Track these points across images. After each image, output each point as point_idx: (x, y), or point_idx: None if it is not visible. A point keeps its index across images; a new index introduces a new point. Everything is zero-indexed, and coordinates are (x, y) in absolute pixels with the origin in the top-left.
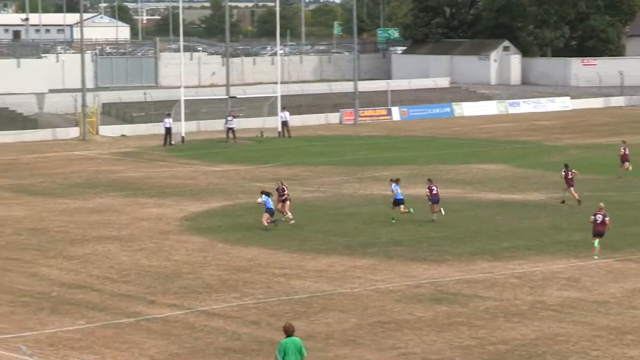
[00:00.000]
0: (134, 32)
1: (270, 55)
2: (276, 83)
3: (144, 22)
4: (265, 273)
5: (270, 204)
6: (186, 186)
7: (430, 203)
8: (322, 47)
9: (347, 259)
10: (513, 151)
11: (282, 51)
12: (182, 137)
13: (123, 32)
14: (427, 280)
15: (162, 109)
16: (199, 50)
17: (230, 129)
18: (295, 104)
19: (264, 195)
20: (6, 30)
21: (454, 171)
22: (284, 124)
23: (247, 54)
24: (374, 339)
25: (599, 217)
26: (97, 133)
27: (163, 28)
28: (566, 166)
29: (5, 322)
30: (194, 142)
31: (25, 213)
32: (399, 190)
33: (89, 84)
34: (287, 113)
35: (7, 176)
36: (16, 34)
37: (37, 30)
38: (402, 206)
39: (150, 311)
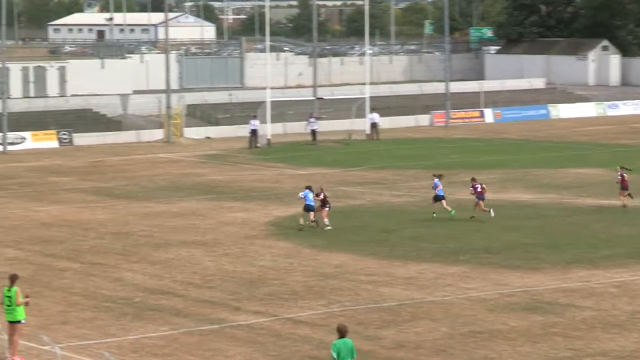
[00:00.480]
0: (219, 32)
1: (358, 55)
2: (364, 84)
3: (230, 21)
4: (353, 280)
5: (311, 199)
6: (272, 190)
7: (476, 200)
8: (412, 47)
9: (438, 266)
10: (614, 155)
11: (370, 51)
12: (268, 140)
13: (208, 31)
14: (521, 289)
15: (248, 111)
16: (285, 50)
17: (313, 130)
18: (384, 106)
19: (306, 190)
20: (90, 30)
21: (550, 175)
22: (373, 125)
23: (335, 54)
24: (465, 349)
25: None
26: (181, 135)
27: (249, 27)
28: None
29: (88, 328)
30: (280, 144)
31: (109, 216)
32: (441, 187)
33: (174, 85)
34: (376, 115)
35: (91, 179)
36: (100, 34)
37: (122, 30)
38: (444, 201)
39: (234, 318)
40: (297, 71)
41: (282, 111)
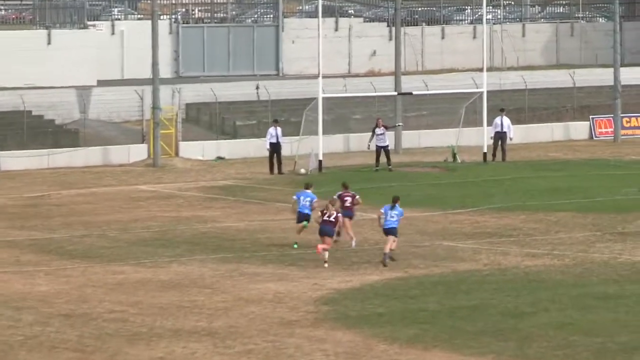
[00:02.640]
0: None
1: (470, 24)
2: (480, 70)
3: None
4: None
5: (308, 207)
6: None
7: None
8: (559, 11)
9: None
10: None
11: (490, 16)
12: (319, 162)
13: None
14: None
15: (287, 114)
16: (349, 15)
17: (381, 148)
18: (512, 106)
19: (302, 191)
20: None
21: None
22: (499, 137)
23: (431, 22)
24: None
25: None
26: (176, 154)
27: None
28: None
29: None
30: (338, 169)
31: (57, 288)
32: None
33: (165, 71)
34: (506, 120)
35: (29, 226)
36: None
37: None
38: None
39: None
40: (369, 49)
41: (344, 115)
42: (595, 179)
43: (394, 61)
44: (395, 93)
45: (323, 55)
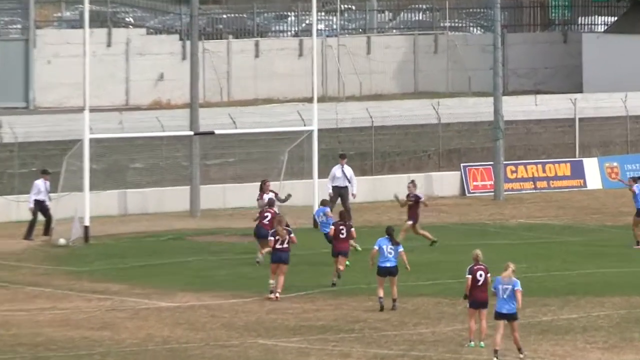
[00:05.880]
0: None
1: (295, 36)
2: (310, 101)
3: None
4: None
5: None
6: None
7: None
8: (417, 18)
9: None
10: None
11: (322, 26)
12: (85, 229)
13: None
14: None
15: (39, 162)
16: (127, 25)
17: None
18: (355, 150)
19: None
20: None
21: None
22: (340, 193)
23: (241, 33)
24: None
25: None
26: None
27: None
28: None
29: None
30: (112, 238)
31: None
32: None
33: None
34: (348, 170)
35: None
36: None
37: None
38: None
39: None
40: (154, 71)
41: (120, 162)
42: (469, 252)
43: (190, 88)
44: (191, 133)
45: (91, 80)
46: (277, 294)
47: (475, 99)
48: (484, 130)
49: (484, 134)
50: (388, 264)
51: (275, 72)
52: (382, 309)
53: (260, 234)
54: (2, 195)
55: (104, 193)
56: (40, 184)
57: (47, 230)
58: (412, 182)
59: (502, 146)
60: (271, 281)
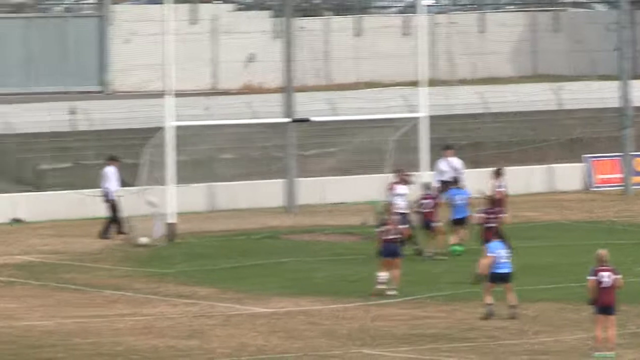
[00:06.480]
0: None
1: (399, 13)
2: (416, 84)
3: None
4: None
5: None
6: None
7: None
8: None
9: None
10: None
11: (430, 1)
12: (169, 227)
13: None
14: None
15: (117, 152)
16: (213, 0)
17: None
18: (465, 140)
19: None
20: None
21: None
22: (444, 188)
23: (341, 10)
24: None
25: None
26: None
27: None
28: None
29: None
30: (199, 237)
31: None
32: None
33: None
34: (457, 162)
35: None
36: None
37: None
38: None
39: None
40: (244, 52)
41: (208, 153)
42: (594, 252)
43: (283, 71)
44: (287, 120)
45: (175, 61)
46: (394, 290)
47: (601, 83)
48: (610, 118)
49: (610, 122)
50: (504, 270)
51: (378, 52)
52: (490, 316)
53: (424, 224)
54: (75, 189)
55: (189, 187)
56: (111, 171)
57: (120, 227)
58: (498, 170)
59: (631, 135)
60: (381, 273)
